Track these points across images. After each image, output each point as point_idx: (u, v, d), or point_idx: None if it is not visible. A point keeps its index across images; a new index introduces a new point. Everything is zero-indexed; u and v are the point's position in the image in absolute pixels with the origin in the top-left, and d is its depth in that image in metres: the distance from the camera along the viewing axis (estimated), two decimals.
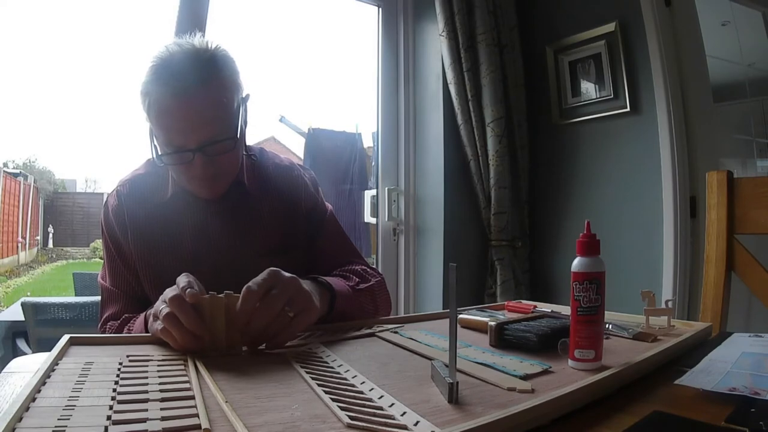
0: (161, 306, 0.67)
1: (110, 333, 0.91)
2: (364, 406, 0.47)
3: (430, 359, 0.60)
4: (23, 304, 1.93)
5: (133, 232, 0.94)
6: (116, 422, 0.42)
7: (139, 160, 1.03)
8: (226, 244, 0.95)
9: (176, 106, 0.82)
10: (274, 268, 0.72)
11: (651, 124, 1.87)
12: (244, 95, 0.92)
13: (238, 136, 0.88)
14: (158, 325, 0.67)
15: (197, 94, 0.83)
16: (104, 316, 0.95)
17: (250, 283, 0.68)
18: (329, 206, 1.11)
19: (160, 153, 0.87)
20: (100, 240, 1.04)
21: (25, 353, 1.84)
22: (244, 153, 0.99)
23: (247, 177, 0.98)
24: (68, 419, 0.42)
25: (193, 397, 0.49)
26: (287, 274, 0.73)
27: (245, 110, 0.93)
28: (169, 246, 0.93)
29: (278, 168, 1.05)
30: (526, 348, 0.69)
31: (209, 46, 0.87)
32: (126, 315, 0.91)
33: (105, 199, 1.01)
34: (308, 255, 1.03)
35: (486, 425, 0.41)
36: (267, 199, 1.00)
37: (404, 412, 0.46)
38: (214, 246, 0.95)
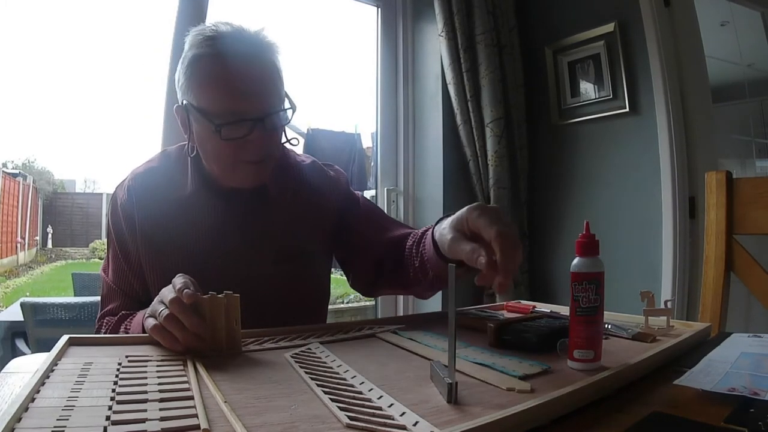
0: (160, 307, 0.67)
1: (106, 329, 0.90)
2: (363, 406, 0.47)
3: (430, 359, 0.60)
4: (22, 305, 1.93)
5: (142, 230, 0.90)
6: (115, 422, 0.42)
7: (138, 160, 0.99)
8: (241, 249, 0.91)
9: (238, 69, 0.79)
10: (482, 207, 0.68)
11: (650, 125, 1.87)
12: None
13: (294, 111, 0.86)
14: (153, 322, 0.67)
15: (258, 60, 0.81)
16: (103, 311, 0.93)
17: (501, 230, 0.62)
18: (359, 194, 1.08)
19: (217, 125, 0.80)
20: (100, 240, 1.03)
21: (24, 353, 1.83)
22: (286, 140, 0.93)
23: (269, 178, 0.93)
24: (67, 419, 0.42)
25: (192, 398, 0.48)
26: (491, 209, 0.68)
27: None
28: (181, 246, 0.90)
29: (301, 168, 1.01)
30: (526, 348, 0.68)
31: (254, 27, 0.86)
32: (123, 312, 0.90)
33: (114, 191, 0.95)
34: (354, 240, 1.01)
35: (485, 425, 0.41)
36: (288, 203, 0.96)
37: (403, 413, 0.46)
38: (227, 249, 0.91)
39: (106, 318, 0.92)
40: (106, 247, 0.97)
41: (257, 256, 0.93)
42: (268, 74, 0.83)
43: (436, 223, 0.82)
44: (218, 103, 0.81)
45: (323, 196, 1.01)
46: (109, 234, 0.94)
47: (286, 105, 0.88)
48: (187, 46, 0.84)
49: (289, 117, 0.86)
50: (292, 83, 0.90)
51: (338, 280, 1.20)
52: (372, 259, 0.99)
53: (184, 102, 0.85)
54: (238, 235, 0.92)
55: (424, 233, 0.89)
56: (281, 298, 0.94)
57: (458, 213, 0.72)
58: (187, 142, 0.90)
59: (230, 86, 0.80)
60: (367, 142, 2.85)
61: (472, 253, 0.65)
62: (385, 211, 2.16)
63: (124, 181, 0.95)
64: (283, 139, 0.90)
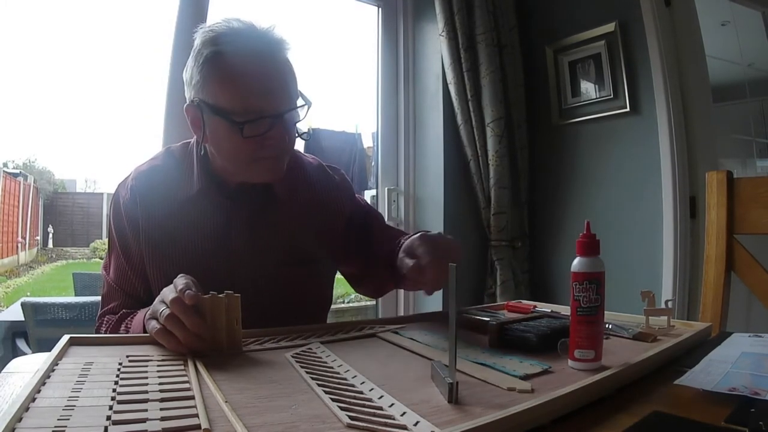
0: (161, 307, 0.67)
1: (107, 327, 0.89)
2: (364, 406, 0.47)
3: (430, 359, 0.61)
4: (23, 304, 1.93)
5: (145, 229, 0.89)
6: (116, 422, 0.42)
7: (139, 160, 0.97)
8: (247, 250, 0.91)
9: (257, 67, 0.80)
10: (425, 237, 0.82)
11: (651, 124, 1.87)
12: None
13: (309, 106, 0.87)
14: (156, 325, 0.67)
15: (274, 57, 0.82)
16: (103, 309, 0.93)
17: (425, 259, 0.78)
18: (361, 199, 1.09)
19: (239, 123, 0.79)
20: (101, 240, 1.02)
21: (24, 353, 1.83)
22: (298, 134, 0.91)
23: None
24: (68, 419, 0.42)
25: (192, 397, 0.48)
26: (433, 236, 0.82)
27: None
28: (186, 246, 0.89)
29: (309, 170, 1.01)
30: (526, 348, 0.68)
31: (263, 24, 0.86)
32: (124, 311, 0.89)
33: (116, 189, 0.94)
34: (364, 247, 1.03)
35: (486, 425, 0.41)
36: (296, 205, 0.96)
37: (404, 412, 0.46)
38: (232, 250, 0.90)
39: (107, 317, 0.91)
40: (107, 245, 0.96)
41: (262, 256, 0.92)
42: (284, 71, 0.83)
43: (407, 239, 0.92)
44: (239, 101, 0.80)
45: (330, 200, 1.01)
46: (111, 233, 0.93)
47: (300, 102, 0.87)
48: (199, 43, 0.83)
49: (305, 112, 0.87)
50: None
51: (339, 279, 1.21)
52: (387, 267, 1.00)
53: (197, 100, 0.84)
54: (244, 235, 0.91)
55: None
56: (285, 299, 0.93)
57: (409, 239, 0.86)
58: (200, 141, 0.88)
59: (251, 84, 0.80)
60: (367, 142, 2.84)
61: (412, 269, 0.80)
62: (386, 211, 2.18)
63: (126, 179, 0.93)
64: (297, 135, 0.90)
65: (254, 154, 0.83)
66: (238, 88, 0.80)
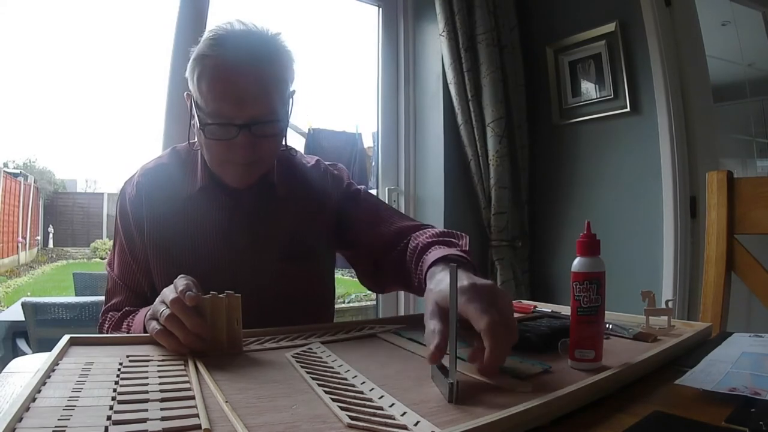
0: (161, 308, 0.67)
1: (109, 324, 0.90)
2: (364, 406, 0.47)
3: None
4: (23, 304, 1.93)
5: (150, 225, 0.91)
6: (116, 422, 0.42)
7: (139, 160, 1.00)
8: (249, 247, 0.92)
9: (235, 74, 0.81)
10: (471, 287, 0.58)
11: (651, 124, 1.87)
12: (293, 89, 0.91)
13: (286, 123, 0.87)
14: (156, 326, 0.67)
15: (257, 67, 0.82)
16: (107, 305, 0.94)
17: (492, 320, 0.54)
18: (360, 189, 1.07)
19: (201, 125, 0.83)
20: (101, 240, 1.03)
21: (25, 353, 1.84)
22: (284, 147, 0.94)
23: (277, 179, 0.95)
24: (68, 419, 0.42)
25: (193, 397, 0.49)
26: (483, 291, 0.58)
27: (292, 104, 0.90)
28: (189, 245, 0.91)
29: (307, 169, 1.03)
30: (526, 348, 0.68)
31: (271, 30, 0.87)
32: (127, 308, 0.90)
33: (122, 186, 0.96)
34: (352, 238, 1.01)
35: (486, 425, 0.41)
36: (294, 203, 0.97)
37: (404, 412, 0.46)
38: (234, 247, 0.92)
39: (110, 313, 0.93)
40: (112, 242, 0.97)
41: (264, 253, 0.93)
42: (263, 82, 0.83)
43: (433, 264, 0.77)
44: (209, 104, 0.82)
45: (327, 195, 1.02)
46: (116, 229, 0.95)
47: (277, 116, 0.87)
48: (200, 41, 0.86)
49: (280, 129, 0.87)
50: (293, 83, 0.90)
51: (339, 279, 1.21)
52: (370, 257, 1.00)
53: (190, 92, 0.88)
54: (246, 235, 0.93)
55: (423, 250, 0.84)
56: (288, 296, 0.94)
57: (446, 286, 0.60)
58: (188, 130, 0.92)
59: (221, 90, 0.81)
60: (368, 142, 2.84)
61: (431, 336, 0.57)
62: None
63: (133, 176, 0.96)
64: (283, 145, 0.91)
65: (222, 156, 0.86)
66: (210, 92, 0.82)
